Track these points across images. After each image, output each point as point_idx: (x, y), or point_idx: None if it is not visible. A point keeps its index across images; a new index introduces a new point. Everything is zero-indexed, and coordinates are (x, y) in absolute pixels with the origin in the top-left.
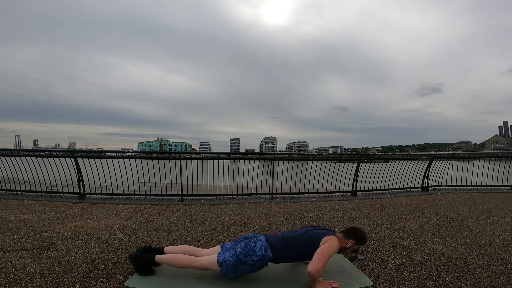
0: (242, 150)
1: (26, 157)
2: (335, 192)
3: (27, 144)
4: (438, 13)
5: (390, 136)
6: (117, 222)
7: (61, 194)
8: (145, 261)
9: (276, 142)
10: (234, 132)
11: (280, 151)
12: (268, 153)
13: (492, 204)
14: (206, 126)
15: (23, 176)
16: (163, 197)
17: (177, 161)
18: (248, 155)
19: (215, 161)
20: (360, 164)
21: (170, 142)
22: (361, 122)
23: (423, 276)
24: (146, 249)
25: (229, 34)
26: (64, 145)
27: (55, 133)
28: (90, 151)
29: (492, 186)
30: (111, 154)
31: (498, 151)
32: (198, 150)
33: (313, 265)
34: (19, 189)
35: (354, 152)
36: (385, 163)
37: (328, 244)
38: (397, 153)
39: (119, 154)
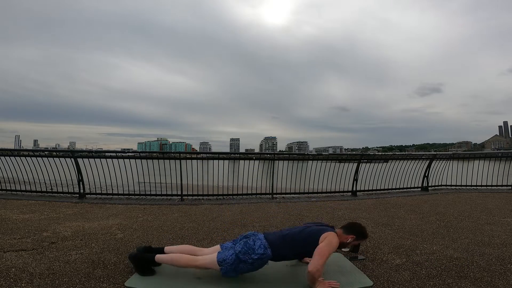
0: (242, 150)
1: (26, 157)
2: (335, 192)
3: (27, 144)
4: (438, 13)
5: (390, 136)
6: (117, 222)
7: (61, 194)
8: (145, 261)
9: (276, 142)
10: (234, 132)
11: (280, 151)
12: (268, 153)
13: (492, 204)
14: (206, 126)
15: (23, 176)
16: (163, 197)
17: (177, 161)
18: (248, 155)
19: (215, 161)
20: (360, 164)
21: (170, 142)
22: (361, 122)
23: (423, 276)
24: (146, 249)
25: (229, 34)
26: (64, 145)
27: (55, 133)
28: (90, 151)
29: (492, 186)
30: (111, 154)
31: (498, 151)
32: (198, 150)
33: (314, 264)
34: (19, 189)
35: (354, 152)
36: (385, 163)
37: (327, 241)
38: (397, 153)
39: (119, 154)
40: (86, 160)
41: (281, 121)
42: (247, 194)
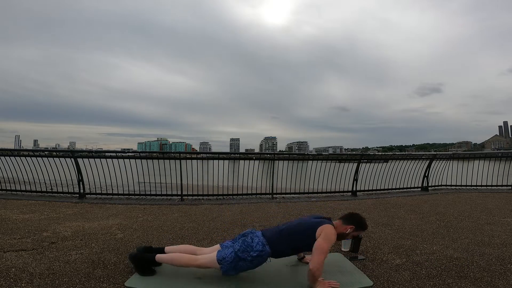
0: (242, 150)
1: (26, 157)
2: (335, 192)
3: (27, 144)
4: (438, 13)
5: (390, 136)
6: (117, 222)
7: (61, 194)
8: (145, 261)
9: (276, 142)
10: (234, 132)
11: (280, 151)
12: (268, 153)
13: (492, 204)
14: (206, 126)
15: (23, 176)
16: (163, 197)
17: (177, 161)
18: (248, 155)
19: (215, 161)
20: (360, 164)
21: (170, 142)
22: (361, 122)
23: (423, 276)
24: (146, 249)
25: (229, 34)
26: (64, 145)
27: (55, 133)
28: (90, 151)
29: (492, 186)
30: (111, 154)
31: (498, 151)
32: (198, 150)
33: (315, 261)
34: (19, 189)
35: (354, 152)
36: (385, 163)
37: (324, 234)
38: (397, 153)
39: (119, 154)
40: (86, 160)
41: (281, 121)
42: (247, 194)
